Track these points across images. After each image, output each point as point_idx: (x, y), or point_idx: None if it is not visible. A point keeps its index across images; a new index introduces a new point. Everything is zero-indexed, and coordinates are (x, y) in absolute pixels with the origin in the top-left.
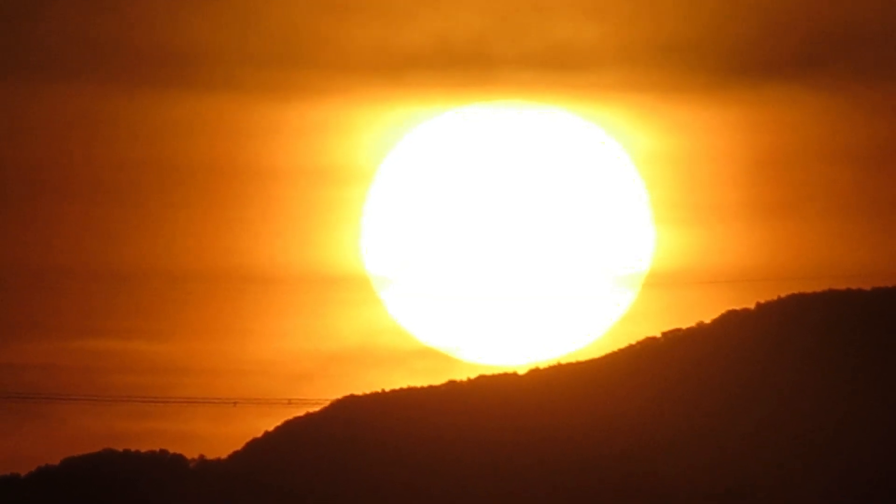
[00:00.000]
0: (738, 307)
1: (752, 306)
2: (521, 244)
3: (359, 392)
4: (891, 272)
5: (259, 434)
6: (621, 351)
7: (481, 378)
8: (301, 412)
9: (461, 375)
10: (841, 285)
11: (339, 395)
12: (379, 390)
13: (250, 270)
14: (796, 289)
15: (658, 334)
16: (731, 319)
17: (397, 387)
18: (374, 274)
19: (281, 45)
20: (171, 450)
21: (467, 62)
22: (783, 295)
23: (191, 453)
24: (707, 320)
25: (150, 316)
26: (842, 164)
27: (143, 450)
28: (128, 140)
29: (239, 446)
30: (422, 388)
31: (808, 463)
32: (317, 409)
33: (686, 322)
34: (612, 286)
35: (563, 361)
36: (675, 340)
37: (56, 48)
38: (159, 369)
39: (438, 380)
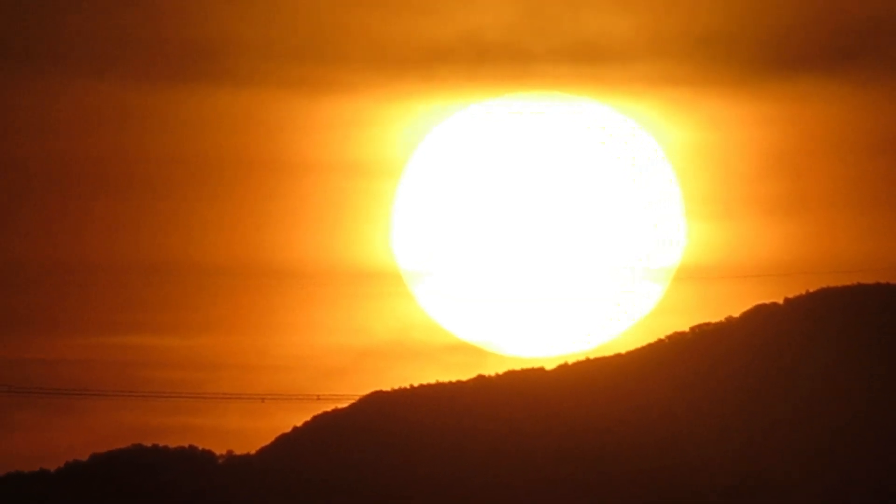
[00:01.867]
0: (766, 301)
1: (780, 301)
2: (551, 237)
3: (389, 387)
4: None
5: (288, 429)
6: (649, 346)
7: (509, 373)
8: (330, 407)
9: (493, 370)
10: (870, 279)
11: (370, 391)
12: (406, 386)
13: (281, 265)
14: (825, 283)
15: (686, 329)
16: (759, 314)
17: (427, 382)
18: (405, 268)
19: (311, 40)
20: (201, 445)
21: (498, 56)
22: (812, 289)
23: (220, 449)
24: (736, 314)
25: (182, 311)
26: (873, 157)
27: (172, 445)
28: (159, 135)
29: (268, 442)
30: (449, 384)
31: (835, 455)
32: (345, 404)
33: (715, 316)
34: (643, 280)
35: (592, 356)
36: (704, 335)
37: (85, 43)
38: (191, 365)
39: (470, 374)
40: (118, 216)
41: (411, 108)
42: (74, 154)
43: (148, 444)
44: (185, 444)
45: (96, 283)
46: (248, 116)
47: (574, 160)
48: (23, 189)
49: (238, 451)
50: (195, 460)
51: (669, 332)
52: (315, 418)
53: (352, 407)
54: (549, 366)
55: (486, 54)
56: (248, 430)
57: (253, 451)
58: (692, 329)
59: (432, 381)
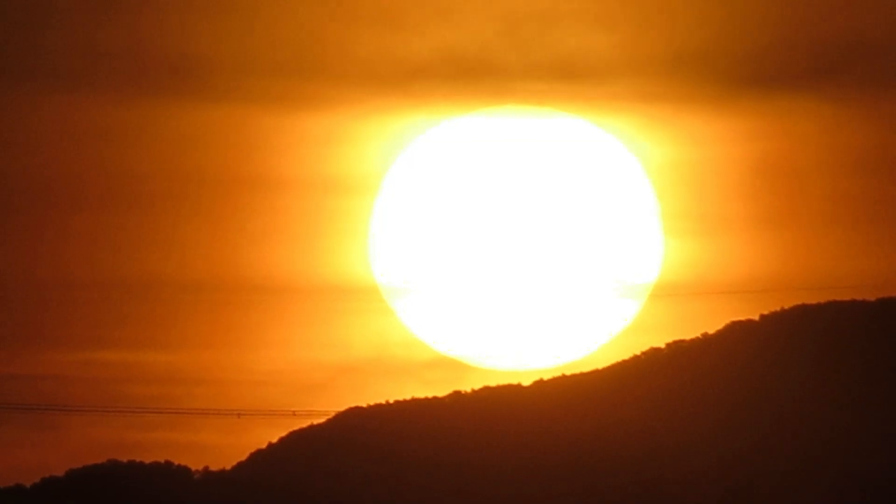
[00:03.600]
0: (742, 318)
1: (756, 317)
2: (528, 252)
3: (367, 403)
4: (895, 282)
5: (263, 445)
6: (625, 362)
7: (485, 389)
8: (307, 423)
9: (472, 385)
10: (845, 296)
11: (348, 406)
12: (383, 401)
13: (259, 281)
14: (800, 300)
15: (662, 345)
16: (734, 331)
17: (404, 398)
18: (384, 284)
19: (288, 56)
20: (178, 461)
21: (475, 72)
22: (787, 306)
23: (196, 464)
24: (711, 331)
25: (159, 327)
26: (850, 174)
27: (148, 461)
28: (136, 150)
29: (245, 457)
30: (426, 400)
31: (811, 474)
32: (322, 420)
33: (691, 333)
34: (619, 296)
35: (568, 372)
36: (679, 351)
37: (64, 58)
38: (169, 380)
39: (450, 390)
40: (94, 231)
41: (389, 124)
42: (53, 170)
43: (124, 459)
44: (162, 460)
45: (73, 298)
46: (224, 132)
47: (551, 175)
48: None
49: (214, 467)
50: (171, 476)
51: (645, 348)
52: (291, 434)
53: (328, 422)
54: (527, 381)
55: (464, 70)
56: (225, 446)
57: (229, 467)
58: (668, 345)
59: (410, 396)
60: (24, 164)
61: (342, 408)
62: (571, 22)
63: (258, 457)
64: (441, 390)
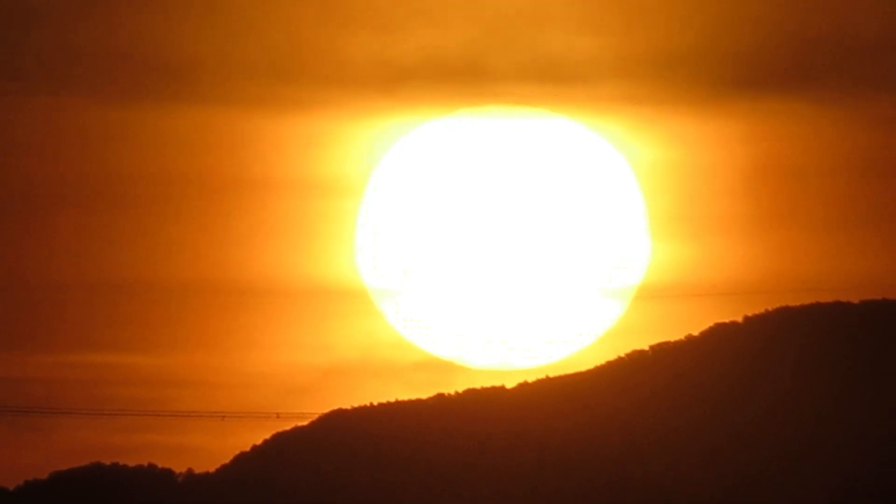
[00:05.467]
0: (726, 320)
1: (740, 319)
2: (514, 253)
3: (352, 405)
4: (879, 284)
5: (248, 448)
6: (609, 364)
7: (469, 391)
8: (291, 425)
9: (460, 386)
10: (829, 298)
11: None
12: (367, 403)
13: (245, 283)
14: (785, 302)
15: (646, 347)
16: (718, 332)
17: (388, 400)
18: (371, 286)
19: (274, 58)
20: (163, 463)
21: (461, 74)
22: (771, 308)
23: (181, 467)
24: (695, 333)
25: (145, 329)
26: (837, 176)
27: (132, 463)
28: (122, 152)
29: (229, 460)
30: (410, 402)
31: (794, 476)
32: (306, 422)
33: (675, 335)
34: (604, 298)
35: (552, 374)
36: (663, 353)
37: (49, 60)
38: (156, 382)
39: (438, 391)
40: (80, 233)
41: (374, 125)
42: (39, 171)
43: (108, 462)
44: (145, 462)
45: (58, 301)
46: (211, 134)
47: (537, 176)
48: None
49: (198, 469)
50: (154, 478)
51: (629, 350)
52: (274, 436)
53: (311, 425)
54: (510, 383)
55: (449, 72)
56: (210, 448)
57: (212, 470)
58: (652, 347)
59: (394, 398)
60: (11, 165)
61: (328, 410)
62: (558, 23)
63: (242, 459)
64: (428, 392)
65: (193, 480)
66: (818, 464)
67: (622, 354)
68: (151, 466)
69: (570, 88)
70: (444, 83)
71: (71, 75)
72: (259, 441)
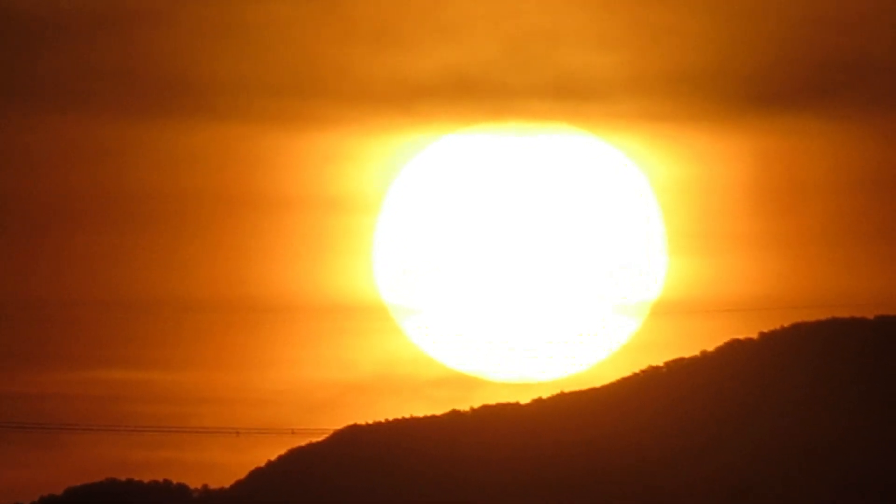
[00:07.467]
0: (741, 336)
1: (755, 336)
2: (533, 268)
3: (368, 421)
4: (894, 300)
5: (263, 464)
6: (624, 380)
7: (484, 408)
8: (306, 441)
9: (481, 402)
10: (844, 314)
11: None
12: (382, 420)
13: (262, 300)
14: (800, 317)
15: (661, 363)
16: (734, 349)
17: (403, 416)
18: (390, 302)
19: (291, 75)
20: (178, 479)
21: (478, 90)
22: (786, 324)
23: (196, 483)
24: (710, 349)
25: (163, 346)
26: (853, 193)
27: (148, 479)
28: (139, 169)
29: (244, 476)
30: (424, 418)
31: (810, 491)
32: (321, 438)
33: (690, 351)
34: (620, 313)
35: (567, 389)
36: (678, 370)
37: (67, 78)
38: (174, 399)
39: (456, 407)
40: (98, 250)
41: (391, 142)
42: (55, 188)
43: (123, 478)
44: (160, 479)
45: (75, 317)
46: (225, 151)
47: (555, 192)
48: (1, 224)
49: (213, 486)
50: (170, 494)
51: (644, 366)
52: (289, 452)
53: (326, 441)
54: (525, 399)
55: (466, 88)
56: (226, 464)
57: (227, 486)
58: (667, 363)
59: (410, 415)
60: (26, 183)
61: (342, 426)
62: (576, 40)
63: (257, 475)
64: (447, 408)
65: (209, 496)
66: (835, 478)
67: (637, 370)
68: (167, 482)
69: (588, 105)
70: (462, 99)
71: (89, 93)
72: (274, 457)
